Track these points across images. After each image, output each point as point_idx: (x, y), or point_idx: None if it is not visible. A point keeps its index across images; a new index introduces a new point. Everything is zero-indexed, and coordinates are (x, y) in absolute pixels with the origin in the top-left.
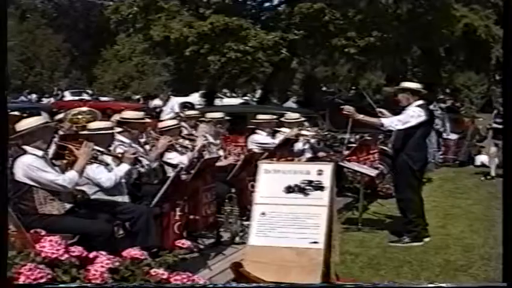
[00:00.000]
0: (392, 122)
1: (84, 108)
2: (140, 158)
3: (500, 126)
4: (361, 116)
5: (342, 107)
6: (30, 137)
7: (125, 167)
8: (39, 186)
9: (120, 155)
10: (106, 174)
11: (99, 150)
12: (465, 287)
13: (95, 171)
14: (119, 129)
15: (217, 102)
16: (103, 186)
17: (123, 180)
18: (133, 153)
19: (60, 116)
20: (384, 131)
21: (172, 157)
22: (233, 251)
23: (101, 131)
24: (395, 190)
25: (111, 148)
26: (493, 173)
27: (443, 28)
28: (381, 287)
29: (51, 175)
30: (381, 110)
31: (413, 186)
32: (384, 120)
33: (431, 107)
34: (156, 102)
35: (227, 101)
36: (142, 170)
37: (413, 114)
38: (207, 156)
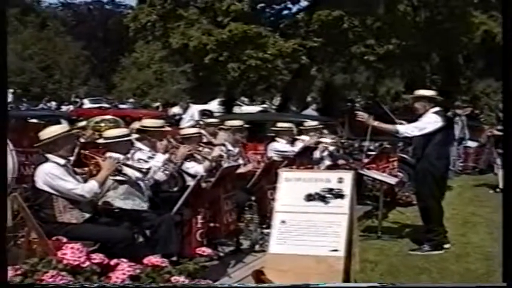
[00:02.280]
0: (408, 129)
1: (108, 116)
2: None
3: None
4: (376, 123)
5: (356, 113)
6: (54, 145)
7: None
8: (59, 195)
9: (145, 170)
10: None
11: (124, 164)
12: (466, 287)
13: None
14: (136, 136)
15: (236, 109)
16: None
17: (143, 188)
18: (175, 164)
19: (83, 123)
20: (402, 138)
21: (191, 166)
22: (253, 258)
23: (117, 138)
24: (417, 198)
25: (129, 155)
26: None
27: (462, 35)
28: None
29: (70, 184)
30: (402, 121)
31: (435, 194)
32: (399, 127)
33: (449, 114)
34: (175, 110)
35: (246, 109)
36: (160, 177)
37: (430, 121)
38: (226, 164)
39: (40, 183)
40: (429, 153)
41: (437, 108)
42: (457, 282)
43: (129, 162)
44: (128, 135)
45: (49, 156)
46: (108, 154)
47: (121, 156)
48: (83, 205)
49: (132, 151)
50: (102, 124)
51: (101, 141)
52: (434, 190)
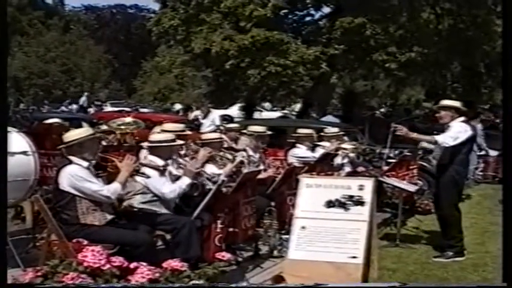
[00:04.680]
0: (446, 139)
1: (128, 119)
2: (202, 173)
3: None
4: (415, 135)
5: (394, 126)
6: (78, 147)
7: (187, 181)
8: (83, 196)
9: (162, 168)
10: (170, 186)
11: (141, 163)
12: (465, 287)
13: (159, 183)
14: (181, 142)
15: (256, 115)
16: (166, 198)
17: None
18: (197, 168)
19: (105, 127)
20: (422, 146)
21: (211, 171)
22: (271, 264)
23: (162, 143)
24: (438, 205)
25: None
26: None
27: (484, 44)
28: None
29: (95, 185)
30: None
31: (457, 201)
32: (437, 138)
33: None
34: (196, 113)
35: (266, 114)
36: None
37: (461, 130)
38: (246, 169)
39: (64, 185)
40: (456, 162)
41: (462, 118)
42: None
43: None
44: (173, 140)
45: (73, 158)
46: (127, 156)
47: (161, 162)
48: (105, 207)
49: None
50: (123, 127)
51: (145, 144)
52: (456, 197)
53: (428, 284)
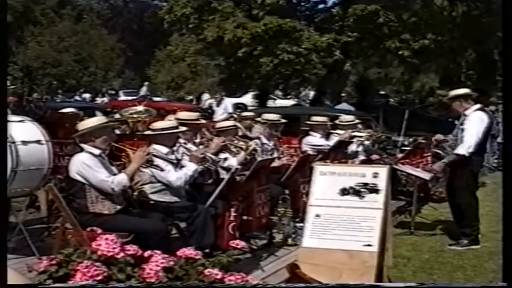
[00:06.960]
0: (473, 145)
1: (140, 107)
2: (208, 158)
3: None
4: (452, 158)
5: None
6: (90, 135)
7: (193, 166)
8: (90, 185)
9: (175, 160)
10: (176, 174)
11: (155, 155)
12: (465, 287)
13: (165, 171)
14: (184, 129)
15: (270, 103)
16: (173, 186)
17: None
18: (202, 153)
19: (117, 116)
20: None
21: (225, 159)
22: (285, 252)
23: (164, 130)
24: (452, 194)
25: (175, 148)
26: None
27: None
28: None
29: (101, 175)
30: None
31: (473, 189)
32: (467, 147)
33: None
34: (209, 102)
35: (279, 103)
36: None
37: (477, 120)
38: (260, 157)
39: (73, 173)
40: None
41: (478, 106)
42: (493, 280)
43: (172, 157)
44: (175, 127)
45: (84, 146)
46: (141, 147)
47: (165, 149)
48: (115, 196)
49: (177, 144)
50: (135, 115)
51: (148, 132)
52: (472, 186)
53: (442, 285)
